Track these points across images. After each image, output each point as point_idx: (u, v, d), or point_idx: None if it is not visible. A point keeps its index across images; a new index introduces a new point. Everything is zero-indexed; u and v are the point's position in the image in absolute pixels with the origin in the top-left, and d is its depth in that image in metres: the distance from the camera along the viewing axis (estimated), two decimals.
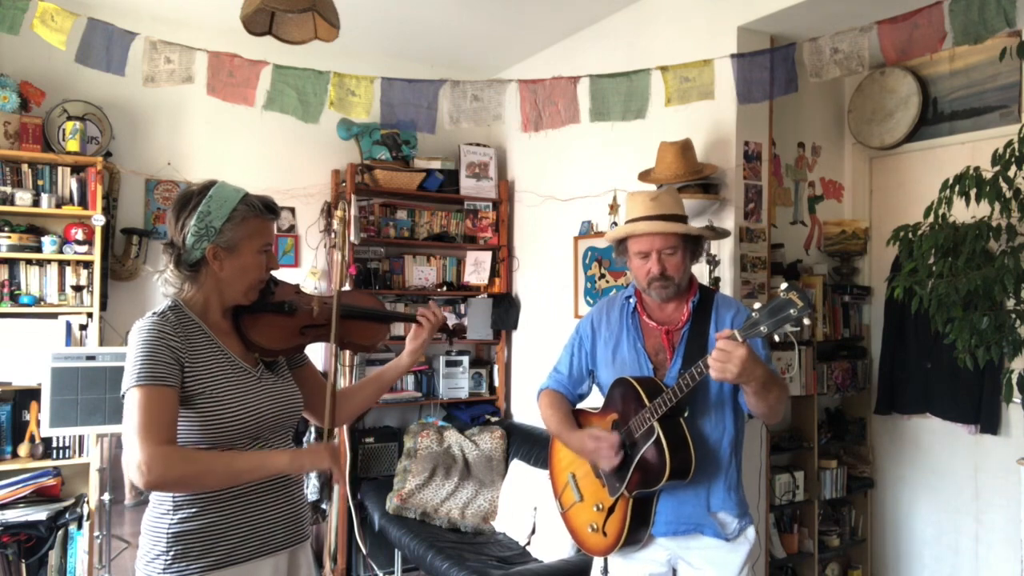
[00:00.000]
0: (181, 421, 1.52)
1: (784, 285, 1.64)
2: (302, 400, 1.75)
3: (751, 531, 2.03)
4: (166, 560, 1.51)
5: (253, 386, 1.62)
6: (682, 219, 2.05)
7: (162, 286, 1.63)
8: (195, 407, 1.53)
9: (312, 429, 3.95)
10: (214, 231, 1.56)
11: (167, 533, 1.52)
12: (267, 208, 1.64)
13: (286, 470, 1.56)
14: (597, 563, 2.15)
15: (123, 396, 1.50)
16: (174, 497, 1.54)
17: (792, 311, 1.61)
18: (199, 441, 1.54)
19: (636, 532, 2.00)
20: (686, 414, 1.92)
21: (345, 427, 4.12)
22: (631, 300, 2.14)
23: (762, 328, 1.65)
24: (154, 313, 1.56)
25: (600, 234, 3.87)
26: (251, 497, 1.59)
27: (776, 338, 1.66)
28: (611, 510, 2.03)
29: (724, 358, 1.67)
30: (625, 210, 2.11)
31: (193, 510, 1.53)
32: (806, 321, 1.60)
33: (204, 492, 1.53)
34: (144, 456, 1.41)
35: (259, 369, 1.67)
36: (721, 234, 2.99)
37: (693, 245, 2.05)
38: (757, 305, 1.68)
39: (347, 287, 4.15)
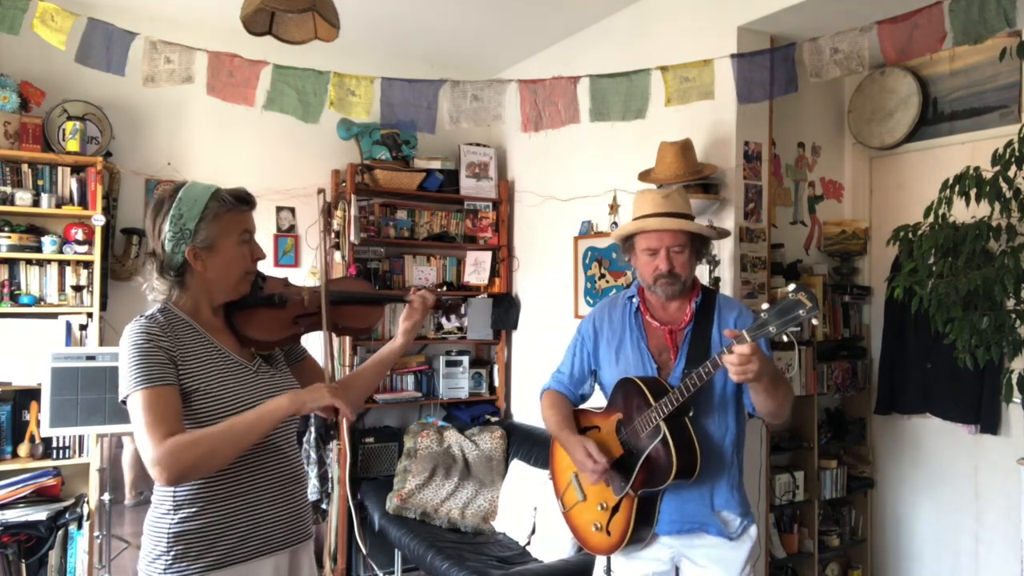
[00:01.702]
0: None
1: (792, 286, 1.64)
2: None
3: (753, 529, 2.05)
4: (167, 560, 1.51)
5: (250, 380, 1.62)
6: (690, 218, 2.07)
7: (150, 294, 1.63)
8: (192, 404, 1.53)
9: (312, 430, 3.95)
10: (189, 233, 1.55)
11: (168, 533, 1.52)
12: (239, 200, 1.62)
13: (288, 410, 1.53)
14: (600, 562, 2.15)
15: (123, 402, 1.50)
16: (175, 497, 1.54)
17: (801, 312, 1.62)
18: None
19: (640, 531, 2.01)
20: (691, 413, 1.92)
21: (345, 426, 4.11)
22: (634, 300, 2.14)
23: (770, 328, 1.66)
24: (142, 316, 1.56)
25: (600, 234, 3.87)
26: (252, 496, 1.59)
27: (784, 338, 1.67)
28: (615, 509, 2.03)
29: (745, 361, 1.68)
30: (634, 207, 2.12)
31: (193, 509, 1.53)
32: (814, 321, 1.62)
33: (209, 484, 1.53)
34: (155, 456, 1.42)
35: (255, 363, 1.67)
36: (721, 234, 2.99)
37: (699, 245, 2.07)
38: (765, 305, 1.68)
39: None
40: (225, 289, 1.64)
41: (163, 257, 1.58)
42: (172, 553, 1.51)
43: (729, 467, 2.04)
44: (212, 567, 1.53)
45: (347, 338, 4.00)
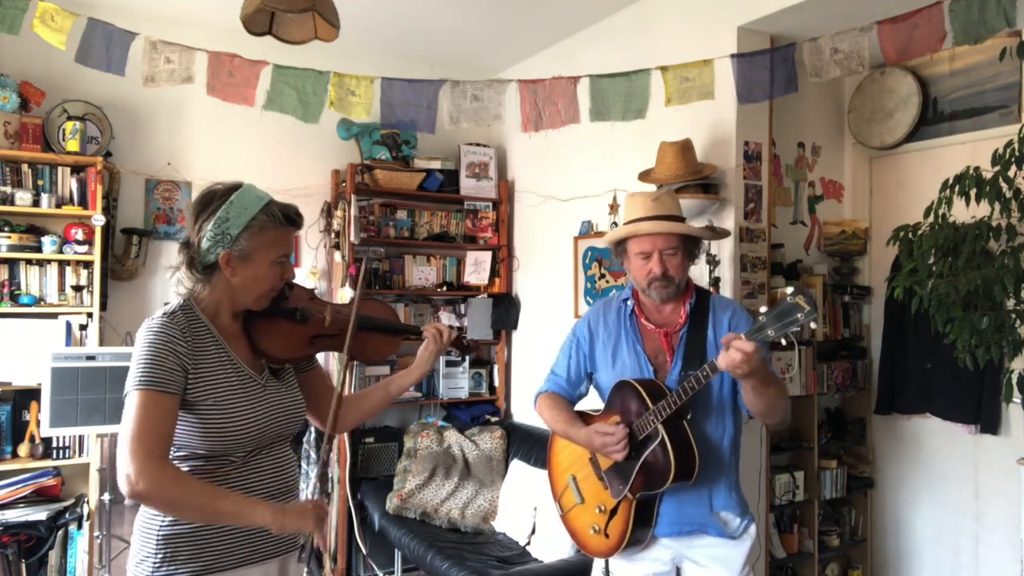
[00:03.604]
0: (181, 425, 1.51)
1: (790, 289, 1.65)
2: (304, 408, 1.74)
3: (752, 528, 2.05)
4: (154, 563, 1.50)
5: (257, 394, 1.60)
6: (681, 220, 2.07)
7: (175, 285, 1.62)
8: (197, 413, 1.52)
9: (312, 430, 3.95)
10: (230, 239, 1.53)
11: (157, 536, 1.51)
12: (288, 219, 1.60)
13: (267, 526, 1.50)
14: (598, 563, 2.15)
15: (125, 396, 1.49)
16: None
17: (799, 315, 1.61)
18: (198, 447, 1.53)
19: (639, 533, 2.01)
20: (689, 416, 1.92)
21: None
22: (628, 303, 2.14)
23: (769, 332, 1.65)
24: (164, 314, 1.55)
25: (600, 234, 3.87)
26: None
27: (783, 341, 1.66)
28: (613, 512, 2.03)
29: (744, 359, 1.67)
30: (624, 211, 2.12)
31: None
32: (812, 324, 1.61)
33: (216, 476, 1.52)
34: (134, 467, 1.39)
35: (264, 376, 1.65)
36: (721, 234, 2.99)
37: (692, 246, 2.06)
38: (763, 309, 1.68)
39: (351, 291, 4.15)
40: (246, 300, 1.62)
41: (196, 253, 1.56)
42: (160, 556, 1.50)
43: (728, 468, 2.05)
44: (199, 572, 1.52)
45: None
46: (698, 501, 2.01)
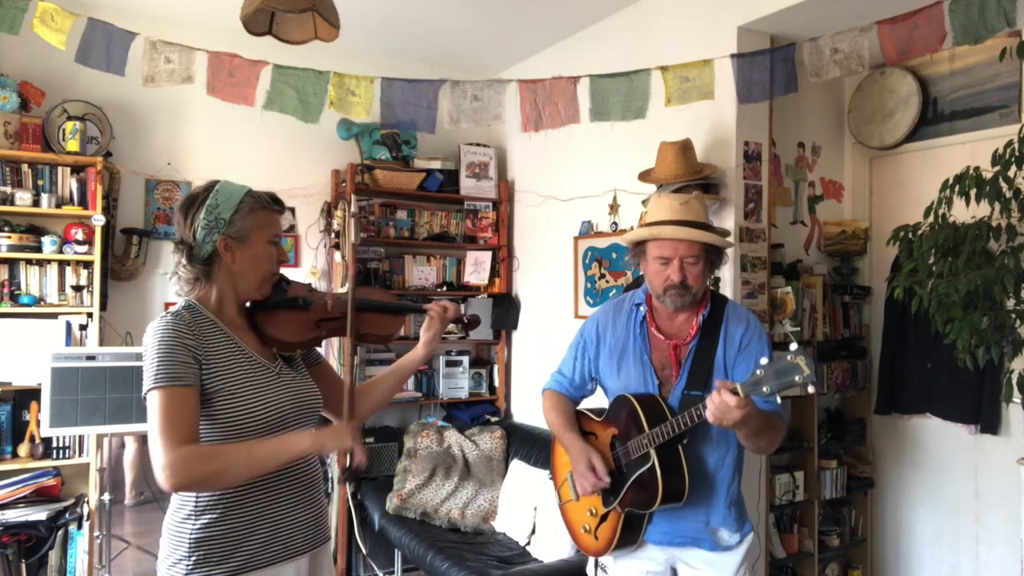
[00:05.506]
0: (201, 418, 1.51)
1: (794, 346, 1.60)
2: (319, 399, 1.74)
3: (749, 537, 2.02)
4: (187, 565, 1.51)
5: (271, 381, 1.62)
6: (708, 228, 1.98)
7: (175, 284, 1.64)
8: (214, 404, 1.52)
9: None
10: (224, 222, 1.57)
11: (189, 538, 1.52)
12: (272, 200, 1.66)
13: (308, 451, 1.55)
14: (591, 558, 2.17)
15: (144, 397, 1.50)
16: (196, 502, 1.53)
17: (797, 377, 1.58)
18: (218, 439, 1.54)
19: (627, 538, 2.01)
20: (685, 441, 1.88)
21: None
22: (641, 308, 2.07)
23: (764, 388, 1.61)
24: (168, 313, 1.57)
25: (600, 234, 3.87)
26: (272, 502, 1.59)
27: (778, 399, 1.66)
28: (604, 518, 2.03)
29: (725, 409, 1.64)
30: (649, 211, 2.04)
31: (215, 515, 1.53)
32: (810, 389, 1.59)
33: (230, 489, 1.53)
34: (166, 460, 1.41)
35: (277, 364, 1.67)
36: (721, 234, 2.99)
37: (715, 256, 1.98)
38: (764, 361, 1.63)
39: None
40: (249, 286, 1.65)
41: (193, 245, 1.59)
42: (193, 558, 1.51)
43: (728, 486, 2.00)
44: (233, 572, 1.53)
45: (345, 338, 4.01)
46: (694, 516, 1.97)
